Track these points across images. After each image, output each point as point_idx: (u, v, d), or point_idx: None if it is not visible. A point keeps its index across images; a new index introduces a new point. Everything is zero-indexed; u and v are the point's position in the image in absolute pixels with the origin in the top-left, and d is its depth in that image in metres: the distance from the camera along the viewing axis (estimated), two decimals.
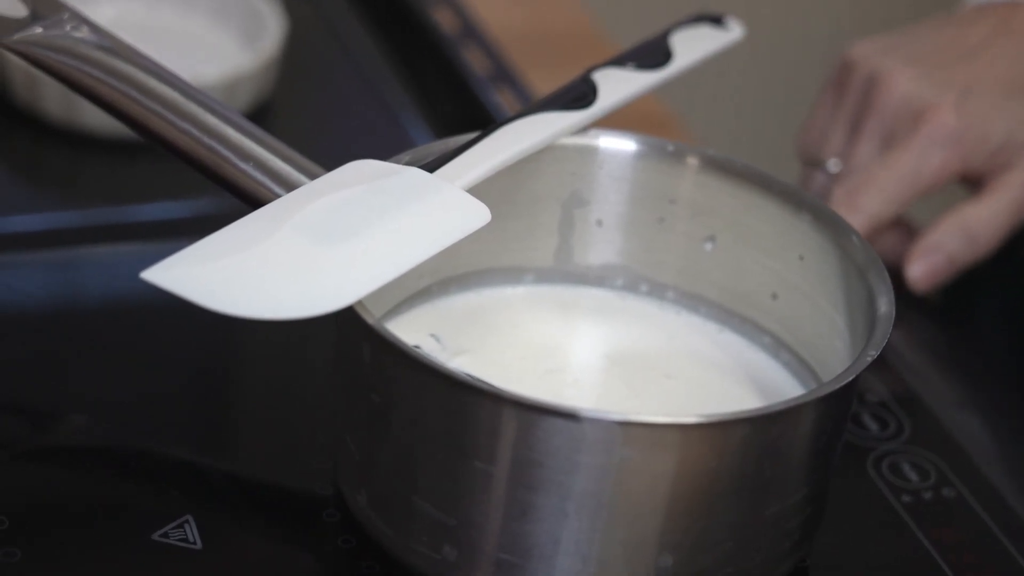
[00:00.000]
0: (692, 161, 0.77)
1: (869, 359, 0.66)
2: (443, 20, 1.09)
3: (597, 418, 0.61)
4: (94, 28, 0.76)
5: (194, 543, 0.68)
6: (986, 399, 0.94)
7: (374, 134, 1.05)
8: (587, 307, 0.79)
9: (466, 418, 0.63)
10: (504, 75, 1.02)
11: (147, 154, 0.96)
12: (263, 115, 1.01)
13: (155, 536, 0.68)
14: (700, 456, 0.63)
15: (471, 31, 1.07)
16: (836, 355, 0.72)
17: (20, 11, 0.74)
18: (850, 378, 0.65)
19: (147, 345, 0.85)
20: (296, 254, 0.65)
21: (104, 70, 0.73)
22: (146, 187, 0.98)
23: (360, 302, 0.63)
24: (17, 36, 0.74)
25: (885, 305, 0.68)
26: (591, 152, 0.78)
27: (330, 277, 0.64)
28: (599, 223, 0.78)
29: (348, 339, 0.68)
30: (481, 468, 0.63)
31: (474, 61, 1.02)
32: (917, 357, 0.92)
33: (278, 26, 1.04)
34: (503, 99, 1.01)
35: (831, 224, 0.75)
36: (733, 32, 0.84)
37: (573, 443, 0.61)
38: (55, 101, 0.98)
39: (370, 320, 0.63)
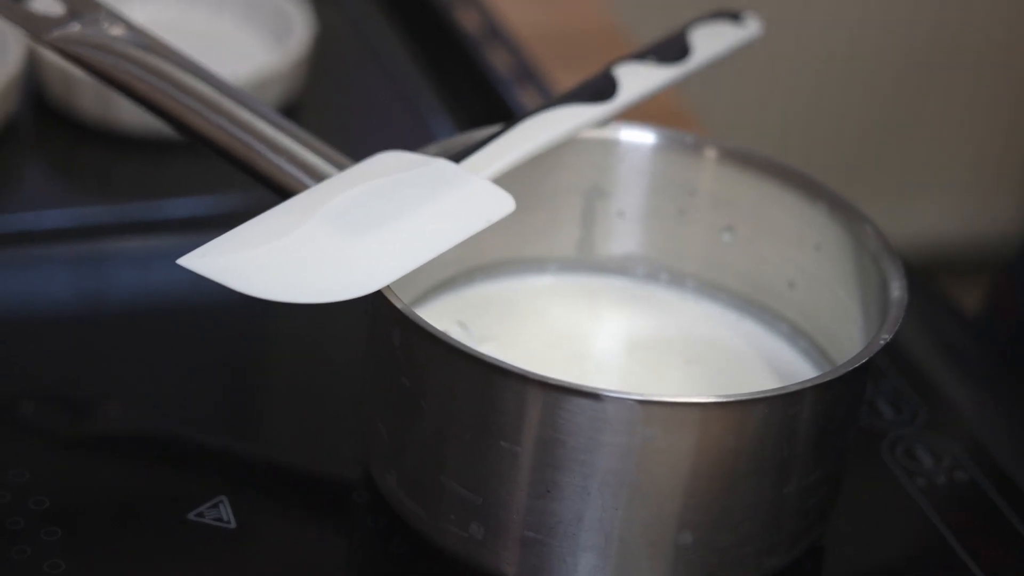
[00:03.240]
0: (711, 153, 0.78)
1: (882, 342, 0.67)
2: (467, 20, 1.09)
3: (619, 397, 0.62)
4: (129, 26, 0.77)
5: (228, 522, 0.69)
6: (998, 386, 0.95)
7: (400, 132, 1.06)
8: (609, 296, 0.80)
9: (493, 399, 0.64)
10: (528, 73, 1.03)
11: (179, 151, 0.98)
12: (291, 114, 1.00)
13: (190, 516, 0.69)
14: (719, 435, 0.64)
15: (495, 31, 1.07)
16: (852, 341, 0.73)
17: (57, 9, 0.76)
18: (863, 360, 0.66)
19: (180, 335, 0.86)
20: (327, 241, 0.66)
21: (141, 66, 0.74)
22: (178, 183, 0.99)
23: (389, 288, 0.64)
24: (56, 33, 0.75)
25: (897, 290, 0.69)
26: (612, 145, 0.79)
27: (360, 263, 0.66)
28: (620, 214, 0.80)
29: (378, 325, 0.69)
30: (507, 448, 0.64)
31: (498, 60, 1.03)
32: (931, 344, 0.92)
33: (306, 27, 1.05)
34: (527, 97, 1.02)
35: (846, 213, 0.76)
36: (751, 28, 0.84)
37: (596, 422, 0.62)
38: (90, 100, 0.98)
39: (400, 305, 0.64)
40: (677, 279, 0.81)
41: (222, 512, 0.70)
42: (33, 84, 1.00)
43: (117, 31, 0.77)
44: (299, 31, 1.04)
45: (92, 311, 0.90)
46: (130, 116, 0.98)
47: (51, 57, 0.98)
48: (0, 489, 0.71)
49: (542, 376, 0.62)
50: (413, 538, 0.70)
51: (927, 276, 1.01)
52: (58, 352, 0.84)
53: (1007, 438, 0.86)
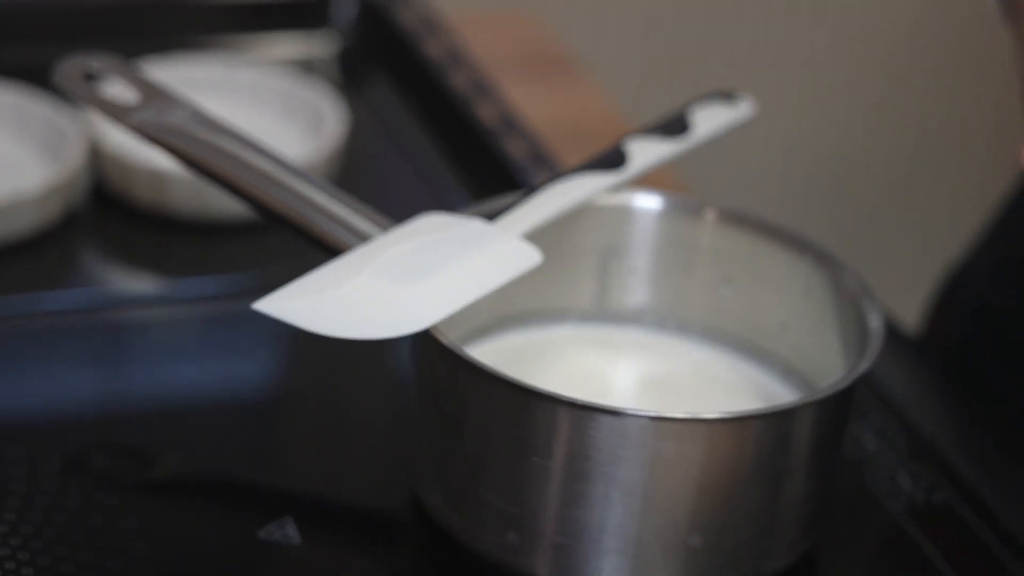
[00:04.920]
0: (710, 215, 0.85)
1: (864, 368, 0.74)
2: (485, 112, 1.14)
3: (636, 415, 0.70)
4: (195, 111, 0.84)
5: (294, 539, 0.76)
6: (969, 418, 1.00)
7: (425, 212, 1.10)
8: (623, 343, 0.86)
9: (527, 420, 0.71)
10: (541, 158, 1.07)
11: (224, 233, 1.05)
12: None
13: (260, 534, 0.76)
14: (722, 448, 0.71)
15: (510, 121, 1.12)
16: (839, 375, 0.78)
17: (132, 99, 0.84)
18: (847, 384, 0.73)
19: (228, 388, 0.94)
20: (381, 288, 0.73)
21: (208, 145, 0.82)
22: (225, 261, 1.05)
23: (436, 327, 0.71)
24: (135, 119, 0.83)
25: (875, 322, 0.76)
26: (624, 209, 0.86)
27: (410, 306, 0.72)
28: (632, 270, 0.86)
29: (425, 360, 0.75)
30: (540, 463, 0.71)
31: (514, 147, 1.07)
32: (910, 382, 0.96)
33: (339, 122, 1.10)
34: (541, 179, 1.04)
35: (829, 263, 0.82)
36: (745, 109, 0.89)
37: (616, 438, 0.69)
38: (144, 188, 1.04)
39: (446, 341, 0.71)
40: (683, 326, 0.87)
41: (289, 531, 0.77)
42: (93, 175, 1.04)
43: (184, 115, 0.84)
44: (332, 125, 1.10)
45: (146, 374, 0.95)
46: (181, 202, 1.05)
47: (110, 150, 1.04)
48: (93, 512, 0.77)
49: (571, 397, 0.69)
50: (456, 548, 0.76)
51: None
52: (117, 409, 0.91)
53: (977, 464, 0.90)
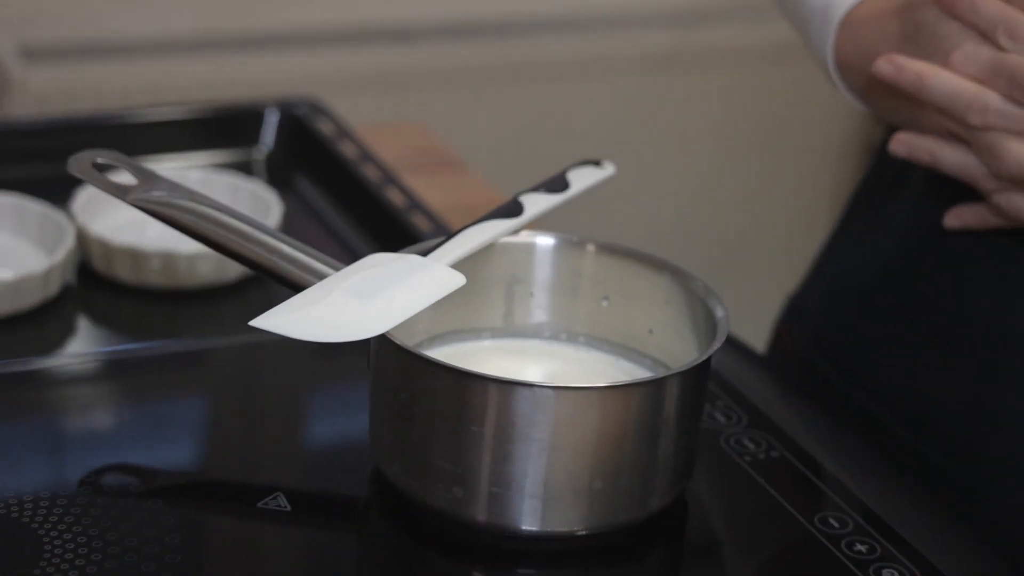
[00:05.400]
0: (590, 247, 0.93)
1: (714, 348, 0.83)
2: (394, 197, 1.20)
3: (544, 386, 0.81)
4: (182, 187, 0.91)
5: (285, 507, 0.84)
6: (793, 396, 1.09)
7: None
8: (528, 351, 0.93)
9: (465, 397, 0.79)
10: (443, 231, 1.11)
11: (191, 301, 1.11)
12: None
13: (259, 505, 0.84)
14: (611, 412, 0.80)
15: (415, 204, 1.19)
16: None
17: (132, 180, 0.90)
18: (703, 358, 0.82)
19: (212, 417, 1.00)
20: (348, 305, 0.80)
21: (195, 214, 0.88)
22: (190, 326, 1.11)
23: (390, 332, 0.79)
24: (133, 196, 0.89)
25: (720, 312, 0.85)
26: (524, 246, 0.93)
27: (370, 317, 0.79)
28: (531, 294, 0.94)
29: (381, 359, 0.84)
30: (476, 431, 0.79)
31: (420, 223, 1.15)
32: (750, 374, 1.05)
33: (278, 206, 1.16)
34: None
35: (682, 276, 0.90)
36: (608, 170, 0.97)
37: (531, 406, 0.78)
38: (124, 266, 1.10)
39: (399, 342, 0.80)
40: (572, 336, 0.94)
41: (280, 501, 0.84)
42: (80, 257, 1.10)
43: (175, 192, 0.90)
44: (274, 209, 1.15)
45: (137, 413, 0.98)
46: (152, 276, 1.11)
47: (94, 237, 1.10)
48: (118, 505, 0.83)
49: (498, 376, 0.79)
50: (412, 505, 0.84)
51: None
52: (118, 439, 0.95)
53: (800, 429, 0.98)
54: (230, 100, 1.36)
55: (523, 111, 2.49)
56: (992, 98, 0.89)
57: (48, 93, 2.05)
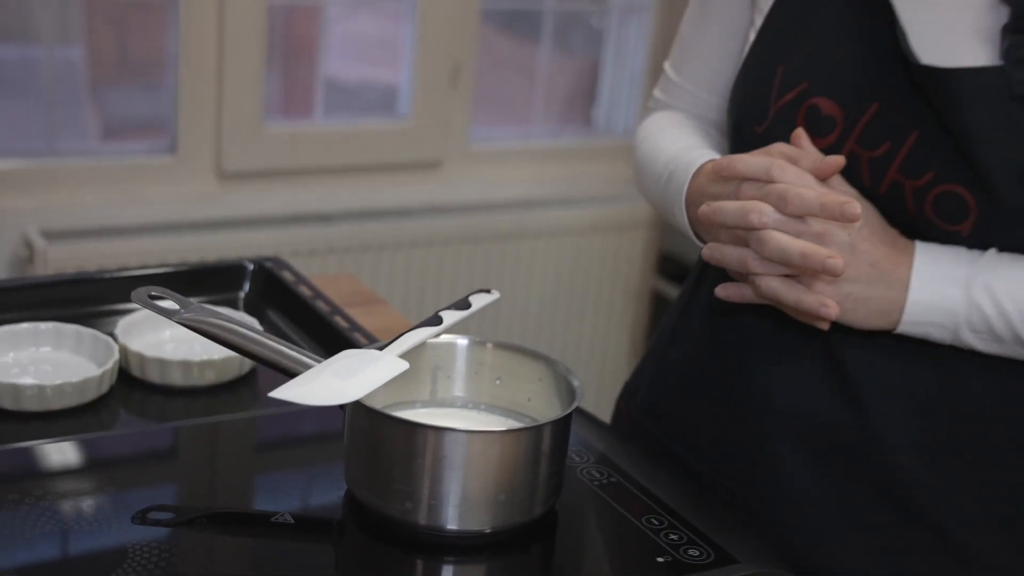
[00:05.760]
0: (488, 345, 0.98)
1: (575, 405, 0.88)
2: (340, 323, 1.20)
3: (463, 431, 0.85)
4: (208, 310, 0.94)
5: (291, 521, 0.88)
6: (628, 446, 1.08)
7: None
8: (448, 415, 0.97)
9: (412, 440, 0.85)
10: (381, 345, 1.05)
11: (201, 395, 1.11)
12: (251, 375, 1.14)
13: (272, 520, 0.88)
14: (509, 448, 0.86)
15: (356, 326, 1.19)
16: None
17: (175, 306, 0.93)
18: (567, 413, 0.88)
19: (231, 458, 1.00)
20: (333, 382, 0.85)
21: (221, 327, 0.92)
22: (206, 410, 1.10)
23: (361, 399, 0.83)
24: (177, 317, 0.92)
25: (576, 383, 0.90)
26: (445, 345, 0.97)
27: (348, 389, 0.84)
28: (449, 377, 0.98)
29: (355, 416, 0.88)
30: (420, 462, 0.85)
31: (361, 340, 1.14)
32: (598, 433, 1.06)
33: (258, 328, 1.06)
34: None
35: (551, 362, 0.95)
36: (495, 295, 1.01)
37: (455, 445, 0.84)
38: (155, 372, 1.11)
39: (369, 404, 0.85)
40: (476, 405, 0.98)
41: (287, 517, 0.88)
42: (121, 365, 1.11)
43: (208, 314, 0.93)
44: (256, 330, 1.06)
45: (168, 468, 1.00)
46: (174, 378, 1.11)
47: (134, 352, 1.10)
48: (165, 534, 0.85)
49: (434, 424, 0.84)
50: (375, 516, 0.88)
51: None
52: (157, 487, 0.95)
53: (634, 466, 1.00)
54: (220, 260, 1.37)
55: (419, 268, 2.50)
56: (766, 208, 0.90)
57: (63, 264, 2.05)
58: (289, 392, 0.84)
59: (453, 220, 2.50)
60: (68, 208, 2.19)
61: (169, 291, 0.96)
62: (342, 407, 0.88)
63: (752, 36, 1.03)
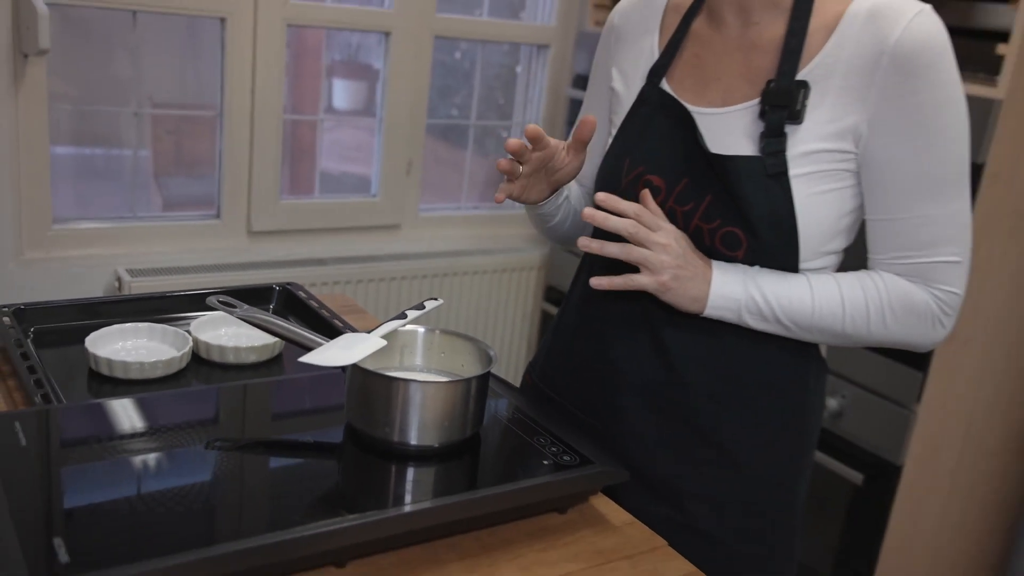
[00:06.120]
0: (438, 331, 0.96)
1: (489, 368, 0.88)
2: (336, 323, 1.16)
3: (421, 381, 0.84)
4: (258, 310, 0.94)
5: (311, 442, 0.86)
6: (528, 398, 1.01)
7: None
8: (411, 375, 0.94)
9: (389, 388, 0.84)
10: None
11: (242, 368, 1.07)
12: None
13: (299, 442, 0.85)
14: (450, 393, 0.85)
15: (348, 325, 1.16)
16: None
17: (234, 308, 0.91)
18: (486, 371, 0.87)
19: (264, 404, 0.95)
20: (338, 352, 0.85)
21: (267, 320, 0.93)
22: (246, 376, 1.05)
23: (358, 362, 0.83)
24: (238, 313, 0.93)
25: (492, 353, 0.90)
26: (409, 331, 0.96)
27: (349, 355, 0.84)
28: (411, 352, 0.96)
29: (354, 373, 0.86)
30: (395, 402, 0.83)
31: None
32: (510, 391, 1.02)
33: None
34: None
35: (477, 342, 0.93)
36: (441, 301, 0.98)
37: (417, 390, 0.83)
38: (215, 354, 1.10)
39: (361, 365, 0.84)
40: (429, 369, 0.95)
41: (309, 439, 0.85)
42: (193, 350, 1.09)
43: (252, 312, 0.93)
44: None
45: (221, 404, 0.92)
46: (229, 359, 1.08)
47: (202, 341, 1.08)
48: None
49: (402, 377, 0.84)
50: (365, 437, 0.86)
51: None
52: (212, 421, 0.90)
53: (530, 408, 0.96)
54: (255, 284, 1.30)
55: (386, 295, 2.44)
56: (631, 223, 0.88)
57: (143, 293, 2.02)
58: (311, 358, 0.84)
59: (408, 264, 2.46)
60: (146, 255, 2.16)
61: (230, 298, 0.97)
62: (343, 368, 0.87)
63: (610, 141, 1.01)
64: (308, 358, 0.83)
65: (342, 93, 2.42)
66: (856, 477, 1.81)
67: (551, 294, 2.68)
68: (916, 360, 1.74)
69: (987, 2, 1.69)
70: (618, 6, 1.04)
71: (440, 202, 2.66)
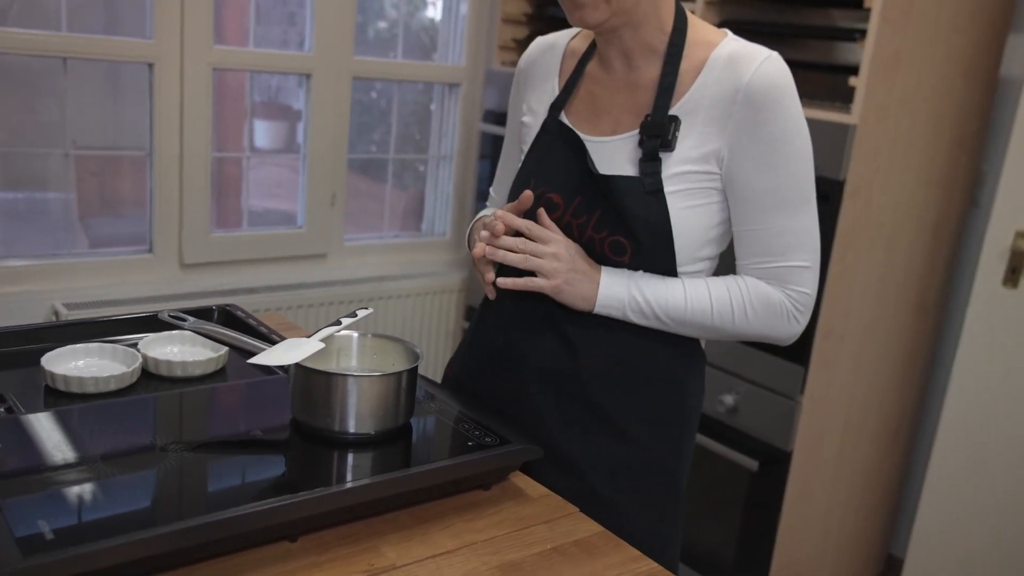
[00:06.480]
0: (370, 335, 0.99)
1: (418, 363, 0.90)
2: (276, 336, 1.14)
3: (354, 375, 0.87)
4: (207, 323, 0.96)
5: (262, 436, 0.87)
6: (448, 390, 1.06)
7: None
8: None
9: (329, 383, 0.87)
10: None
11: (192, 381, 1.05)
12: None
13: (249, 436, 0.87)
14: (382, 386, 0.89)
15: (282, 337, 1.07)
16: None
17: (184, 321, 0.93)
18: (413, 366, 0.91)
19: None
20: (283, 353, 0.89)
21: (216, 331, 0.95)
22: (194, 384, 1.04)
23: (301, 361, 0.87)
24: (187, 326, 0.93)
25: (418, 351, 0.92)
26: (345, 335, 0.99)
27: (292, 356, 0.88)
28: (347, 354, 0.99)
29: (297, 371, 0.90)
30: (335, 396, 0.87)
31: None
32: (434, 386, 1.04)
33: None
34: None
35: (404, 343, 0.97)
36: (371, 310, 1.02)
37: (353, 384, 0.87)
38: (164, 369, 1.07)
39: (305, 365, 0.88)
40: (363, 369, 0.95)
41: (259, 434, 0.87)
42: (143, 366, 1.07)
43: (203, 325, 0.93)
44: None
45: (168, 414, 0.94)
46: (177, 373, 1.07)
47: (150, 356, 1.08)
48: None
49: (338, 373, 0.86)
50: (307, 430, 0.90)
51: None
52: (170, 424, 0.91)
53: (453, 399, 0.99)
54: (196, 307, 1.27)
55: (315, 319, 2.40)
56: (518, 241, 0.91)
57: None
58: (260, 359, 0.89)
59: (335, 290, 2.45)
60: (81, 289, 2.13)
61: (180, 312, 1.00)
62: (285, 369, 0.93)
63: (520, 167, 1.05)
64: (257, 359, 0.88)
65: (263, 132, 2.42)
66: (752, 464, 1.88)
67: (471, 314, 2.66)
68: (798, 356, 1.81)
69: (841, 41, 1.84)
70: (525, 53, 1.09)
71: (363, 231, 2.64)
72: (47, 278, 2.10)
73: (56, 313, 2.02)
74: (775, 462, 1.88)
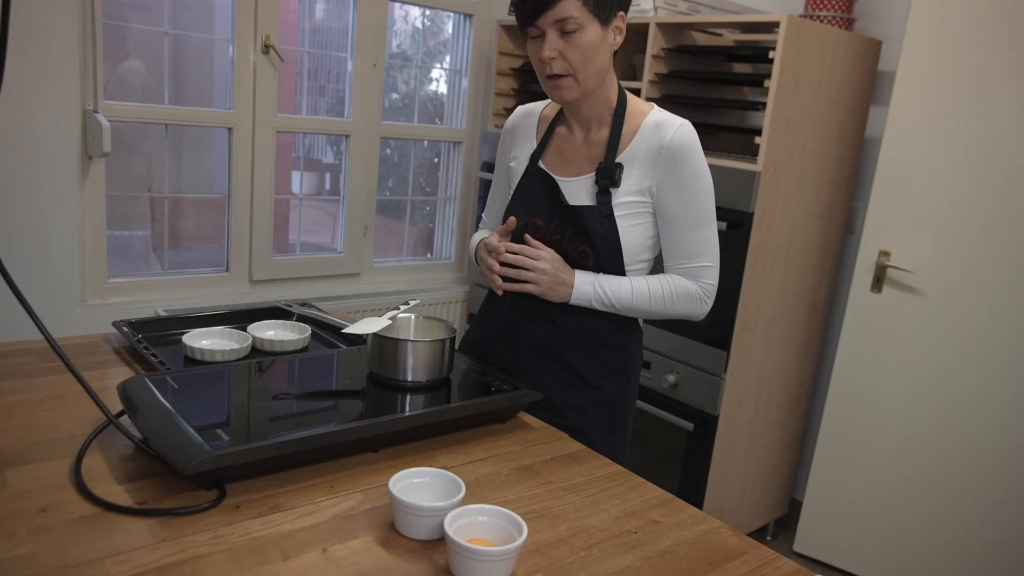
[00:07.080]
0: (421, 317, 1.04)
1: (454, 334, 0.97)
2: (342, 322, 1.21)
3: (415, 341, 0.93)
4: (310, 310, 1.03)
5: (335, 389, 0.93)
6: (467, 360, 1.09)
7: None
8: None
9: (392, 346, 0.92)
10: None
11: (293, 354, 1.11)
12: None
13: (336, 388, 0.93)
14: (432, 347, 0.95)
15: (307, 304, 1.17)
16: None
17: (294, 309, 1.05)
18: (451, 336, 0.97)
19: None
20: (364, 326, 0.96)
21: (315, 317, 1.01)
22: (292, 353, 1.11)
23: (376, 331, 0.93)
24: (296, 310, 1.03)
25: (454, 325, 1.10)
26: (404, 317, 1.03)
27: (371, 327, 0.95)
28: (407, 330, 1.02)
29: (374, 337, 0.95)
30: (401, 355, 0.92)
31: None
32: (460, 357, 1.10)
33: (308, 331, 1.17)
34: None
35: (444, 321, 1.01)
36: (418, 300, 1.02)
37: (414, 346, 0.92)
38: (266, 346, 1.15)
39: (381, 334, 0.94)
40: (419, 339, 0.97)
41: (347, 384, 0.93)
42: (252, 344, 1.14)
43: (310, 310, 1.03)
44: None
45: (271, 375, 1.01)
46: (277, 349, 1.15)
47: (256, 337, 1.15)
48: None
49: (405, 339, 0.94)
50: (379, 379, 0.94)
51: None
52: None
53: (477, 363, 1.06)
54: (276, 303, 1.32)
55: (351, 322, 2.28)
56: (518, 258, 0.96)
57: None
58: (352, 329, 0.98)
59: (366, 300, 2.46)
60: (175, 299, 2.19)
61: (293, 302, 1.12)
62: (363, 338, 1.03)
63: (510, 199, 1.11)
64: (349, 329, 0.98)
65: (300, 181, 2.54)
66: (688, 426, 1.94)
67: (471, 319, 2.51)
68: (722, 343, 1.86)
69: (749, 110, 1.96)
70: (510, 118, 1.17)
71: (387, 256, 2.68)
72: (149, 291, 2.18)
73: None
74: (706, 424, 1.93)
